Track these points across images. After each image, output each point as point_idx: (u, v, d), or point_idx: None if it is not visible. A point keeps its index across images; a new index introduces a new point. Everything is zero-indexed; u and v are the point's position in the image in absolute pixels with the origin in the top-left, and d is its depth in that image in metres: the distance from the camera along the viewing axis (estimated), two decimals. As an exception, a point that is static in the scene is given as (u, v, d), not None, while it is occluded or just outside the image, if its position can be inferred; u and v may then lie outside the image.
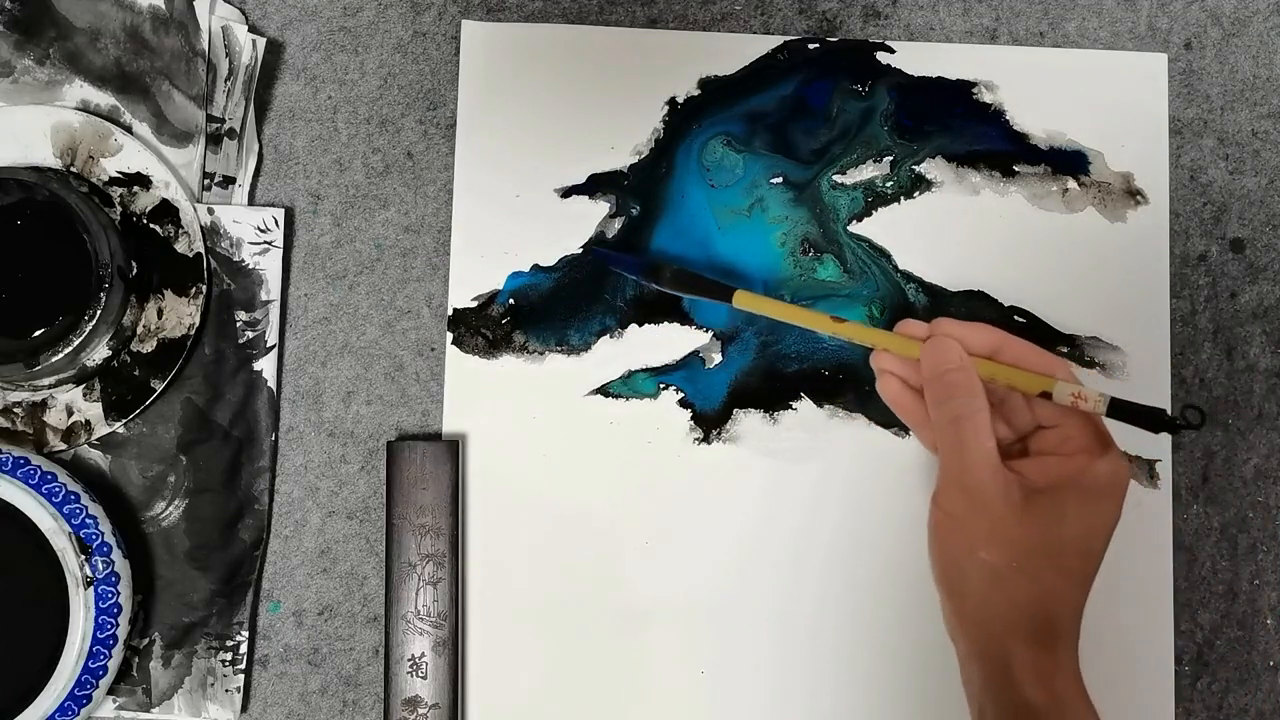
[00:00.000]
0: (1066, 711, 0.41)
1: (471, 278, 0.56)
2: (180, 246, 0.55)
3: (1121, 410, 0.43)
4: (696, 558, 0.55)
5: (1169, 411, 0.42)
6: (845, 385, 0.56)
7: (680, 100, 0.57)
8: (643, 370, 0.56)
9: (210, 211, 0.56)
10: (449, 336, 0.56)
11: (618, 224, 0.57)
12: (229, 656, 0.54)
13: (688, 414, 0.56)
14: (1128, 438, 0.56)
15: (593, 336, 0.56)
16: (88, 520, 0.51)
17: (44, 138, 0.55)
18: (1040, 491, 0.42)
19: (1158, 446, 0.56)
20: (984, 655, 0.42)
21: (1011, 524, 0.41)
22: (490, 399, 0.56)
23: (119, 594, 0.51)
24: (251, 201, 0.57)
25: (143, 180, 0.55)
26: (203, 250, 0.55)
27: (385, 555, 0.54)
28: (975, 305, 0.56)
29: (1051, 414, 0.45)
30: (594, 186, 0.57)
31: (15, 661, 0.50)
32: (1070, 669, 0.42)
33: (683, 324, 0.56)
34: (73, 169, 0.55)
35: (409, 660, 0.53)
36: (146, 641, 0.54)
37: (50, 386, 0.54)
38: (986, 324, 0.46)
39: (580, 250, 0.57)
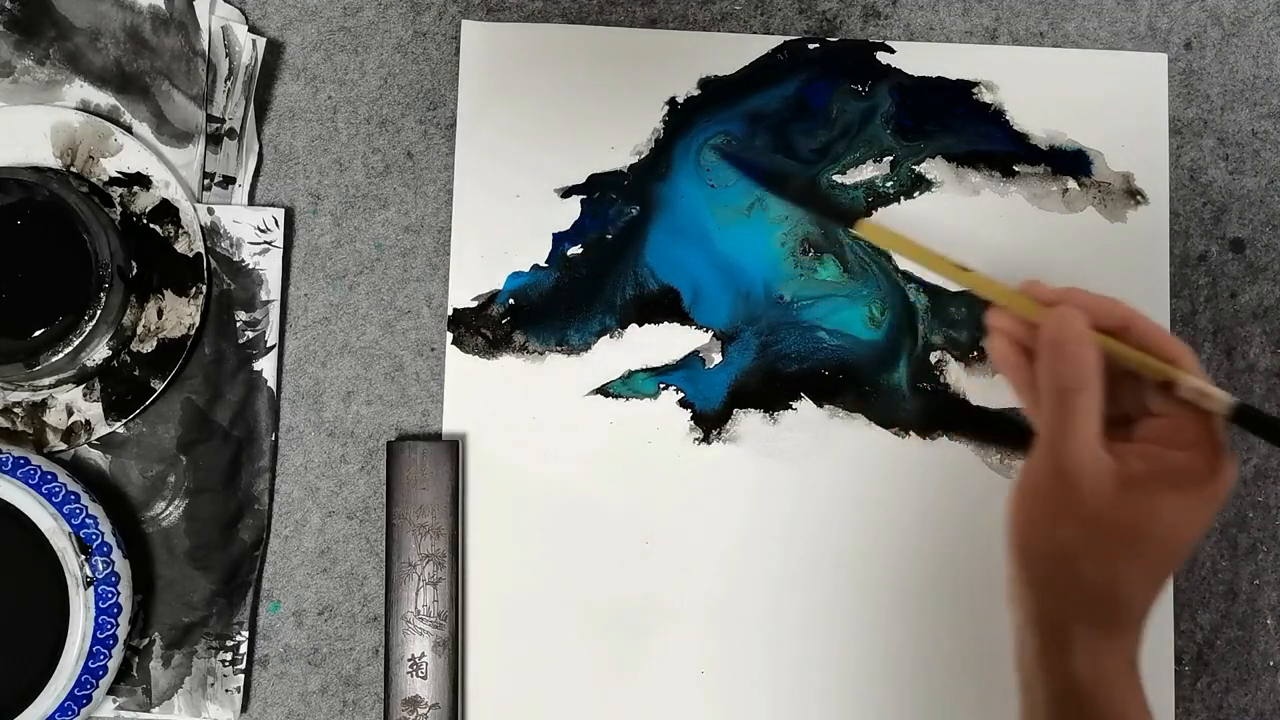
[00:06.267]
0: (1116, 699, 0.40)
1: (471, 278, 0.56)
2: (180, 246, 0.55)
3: (1246, 417, 0.41)
4: (696, 557, 0.55)
5: None
6: (845, 385, 0.56)
7: (680, 100, 0.57)
8: (643, 370, 0.56)
9: (210, 211, 0.56)
10: (449, 336, 0.56)
11: (619, 224, 0.57)
12: (229, 656, 0.54)
13: (688, 414, 0.56)
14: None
15: (593, 336, 0.56)
16: (88, 520, 0.51)
17: (44, 138, 0.55)
18: (1136, 481, 0.41)
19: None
20: (1043, 626, 0.42)
21: (1098, 508, 0.40)
22: (490, 399, 0.56)
23: (119, 594, 0.51)
24: (251, 201, 0.57)
25: (143, 180, 0.55)
26: (203, 250, 0.55)
27: (385, 555, 0.54)
28: (975, 305, 0.56)
29: (1165, 404, 0.42)
30: (594, 186, 0.57)
31: (15, 661, 0.50)
32: (1127, 659, 0.41)
33: (683, 324, 0.56)
34: (73, 169, 0.55)
35: (409, 660, 0.53)
36: (146, 641, 0.54)
37: (50, 386, 0.54)
38: (1117, 299, 0.44)
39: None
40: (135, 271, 0.54)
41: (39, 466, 0.51)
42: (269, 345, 0.56)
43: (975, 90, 0.58)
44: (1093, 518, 0.40)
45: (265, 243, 0.56)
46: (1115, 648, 0.41)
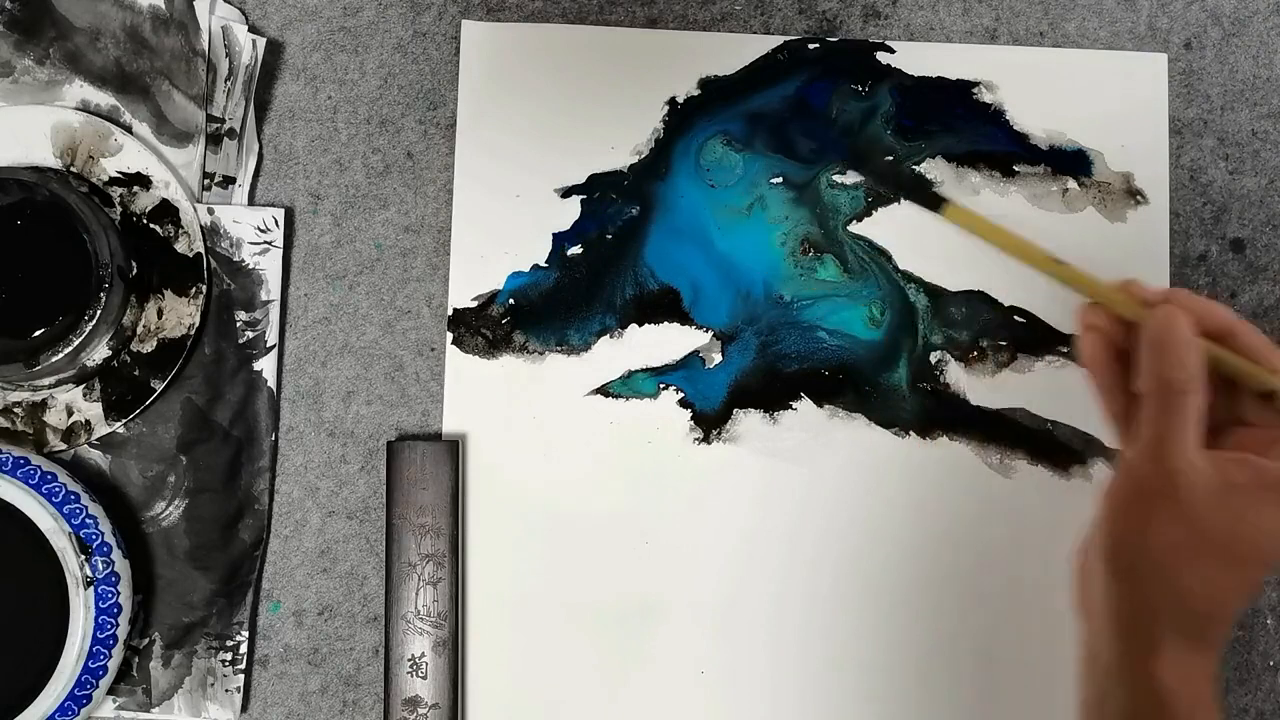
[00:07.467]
0: (1195, 711, 0.40)
1: (471, 278, 0.56)
2: (180, 246, 0.55)
3: None
4: (696, 557, 0.55)
5: None
6: (845, 385, 0.56)
7: (680, 100, 0.57)
8: (643, 370, 0.56)
9: (210, 211, 0.56)
10: (449, 336, 0.56)
11: (619, 223, 0.57)
12: (229, 656, 0.54)
13: (688, 414, 0.56)
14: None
15: (593, 336, 0.56)
16: (88, 520, 0.51)
17: (44, 138, 0.55)
18: (1238, 488, 0.40)
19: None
20: (1128, 632, 0.41)
21: (1199, 513, 0.40)
22: (490, 399, 0.56)
23: (119, 594, 0.51)
24: (251, 201, 0.57)
25: (143, 180, 0.55)
26: (203, 250, 0.55)
27: (385, 555, 0.54)
28: (975, 305, 0.56)
29: (1262, 414, 0.42)
30: (594, 186, 0.57)
31: (15, 661, 0.50)
32: (1208, 670, 0.40)
33: (683, 324, 0.56)
34: (73, 169, 0.55)
35: (409, 660, 0.53)
36: (146, 641, 0.54)
37: (50, 386, 0.54)
38: (1223, 305, 0.43)
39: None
40: (135, 271, 0.54)
41: (39, 466, 0.51)
42: (269, 345, 0.56)
43: (975, 90, 0.58)
44: (1194, 522, 0.40)
45: (265, 243, 0.56)
46: (1201, 660, 0.40)
